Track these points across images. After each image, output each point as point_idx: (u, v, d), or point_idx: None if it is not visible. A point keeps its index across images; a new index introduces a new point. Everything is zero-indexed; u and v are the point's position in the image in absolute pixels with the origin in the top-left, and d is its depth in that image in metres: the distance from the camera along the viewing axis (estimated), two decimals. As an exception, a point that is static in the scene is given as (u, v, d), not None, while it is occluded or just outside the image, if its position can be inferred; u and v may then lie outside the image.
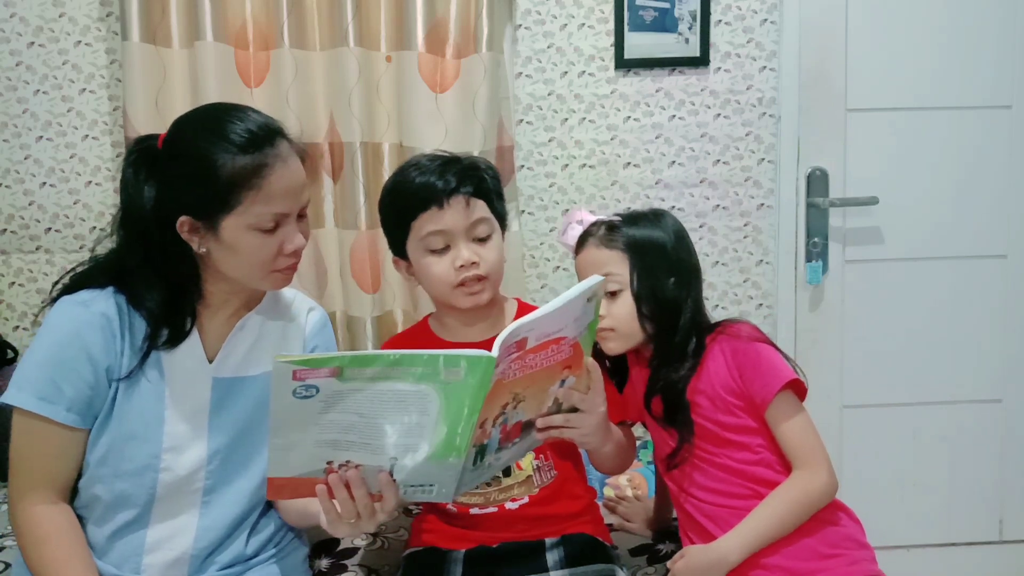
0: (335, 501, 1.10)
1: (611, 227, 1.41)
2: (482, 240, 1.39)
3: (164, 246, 1.24)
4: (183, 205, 1.22)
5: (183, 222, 1.23)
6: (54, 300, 1.29)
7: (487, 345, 1.49)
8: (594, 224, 1.44)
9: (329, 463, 1.08)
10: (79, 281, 1.29)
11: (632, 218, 1.43)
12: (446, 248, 1.38)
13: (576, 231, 1.45)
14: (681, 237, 1.42)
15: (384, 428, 1.05)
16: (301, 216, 1.29)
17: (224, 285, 1.30)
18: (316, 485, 1.09)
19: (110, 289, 1.27)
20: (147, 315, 1.26)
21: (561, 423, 1.22)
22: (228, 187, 1.20)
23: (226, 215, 1.21)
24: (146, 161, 1.25)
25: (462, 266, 1.37)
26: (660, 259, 1.38)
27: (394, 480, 1.10)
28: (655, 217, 1.43)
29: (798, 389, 1.35)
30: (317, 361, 1.00)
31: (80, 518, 1.28)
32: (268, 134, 1.23)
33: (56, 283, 1.30)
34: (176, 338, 1.28)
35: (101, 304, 1.26)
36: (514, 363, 1.07)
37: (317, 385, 1.00)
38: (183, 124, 1.27)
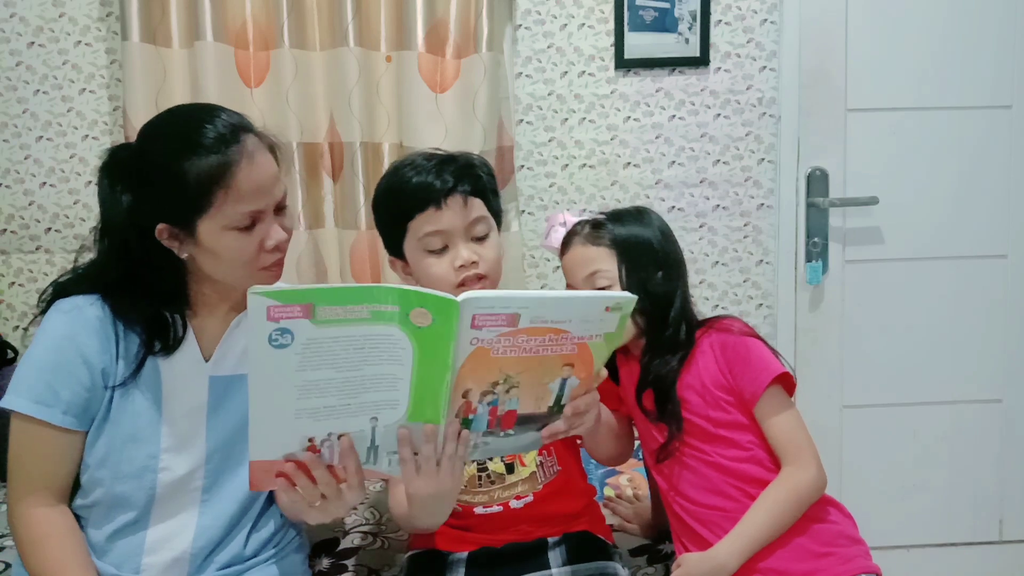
0: (299, 488, 1.10)
1: (596, 225, 1.41)
2: (480, 239, 1.38)
3: (147, 253, 1.24)
4: (157, 212, 1.21)
5: (161, 229, 1.22)
6: (44, 309, 1.28)
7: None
8: (578, 223, 1.44)
9: (311, 440, 1.08)
10: (67, 289, 1.28)
11: (616, 215, 1.43)
12: (444, 248, 1.37)
13: (560, 233, 1.45)
14: (666, 232, 1.43)
15: (361, 383, 1.05)
16: (280, 209, 1.27)
17: (213, 287, 1.29)
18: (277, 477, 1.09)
19: (99, 296, 1.26)
20: (138, 330, 1.26)
21: (565, 429, 1.20)
22: (197, 190, 1.18)
23: (200, 218, 1.20)
24: (120, 170, 1.24)
25: (462, 266, 1.36)
26: (647, 253, 1.39)
27: (356, 451, 1.09)
28: (639, 213, 1.44)
29: (788, 384, 1.35)
30: (290, 294, 1.01)
31: (79, 519, 1.28)
32: (232, 131, 1.21)
33: (43, 293, 1.29)
34: (170, 346, 1.28)
35: (95, 308, 1.25)
36: (504, 337, 1.07)
37: (291, 330, 1.01)
38: (148, 130, 1.26)
